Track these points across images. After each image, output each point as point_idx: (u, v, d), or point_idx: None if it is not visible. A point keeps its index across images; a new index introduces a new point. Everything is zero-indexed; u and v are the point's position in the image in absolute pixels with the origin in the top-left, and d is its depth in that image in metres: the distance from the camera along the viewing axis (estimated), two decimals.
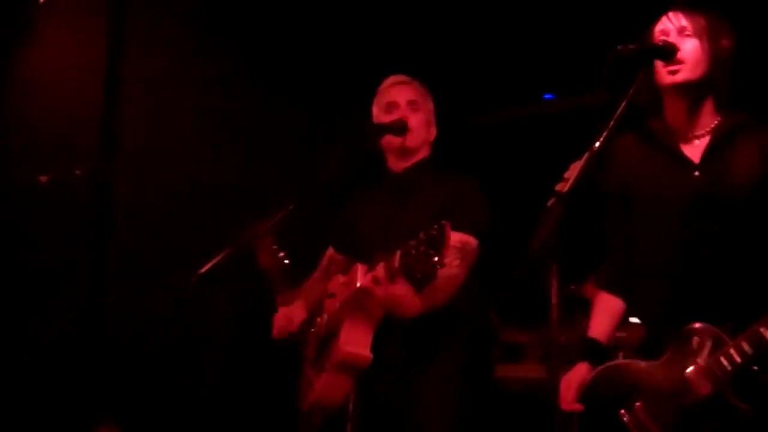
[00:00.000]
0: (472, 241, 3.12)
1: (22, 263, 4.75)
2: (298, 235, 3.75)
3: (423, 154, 3.35)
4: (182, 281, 3.38)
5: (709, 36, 2.57)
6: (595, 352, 2.74)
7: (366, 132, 3.28)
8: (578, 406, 2.65)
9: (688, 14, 2.60)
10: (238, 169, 5.02)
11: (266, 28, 5.18)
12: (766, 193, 2.54)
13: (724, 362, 2.43)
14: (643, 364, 2.62)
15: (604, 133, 2.39)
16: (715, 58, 2.57)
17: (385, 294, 2.90)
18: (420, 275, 2.74)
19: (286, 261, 3.45)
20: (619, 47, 2.49)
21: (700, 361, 2.47)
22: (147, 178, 4.82)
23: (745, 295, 2.52)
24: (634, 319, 2.83)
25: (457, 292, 3.12)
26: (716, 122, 2.62)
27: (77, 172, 4.43)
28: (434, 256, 2.66)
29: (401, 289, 2.90)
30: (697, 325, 2.51)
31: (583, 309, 4.55)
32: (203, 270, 3.20)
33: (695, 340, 2.50)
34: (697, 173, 2.59)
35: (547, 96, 5.63)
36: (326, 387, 3.08)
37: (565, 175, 2.32)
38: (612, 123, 2.41)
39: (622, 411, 2.57)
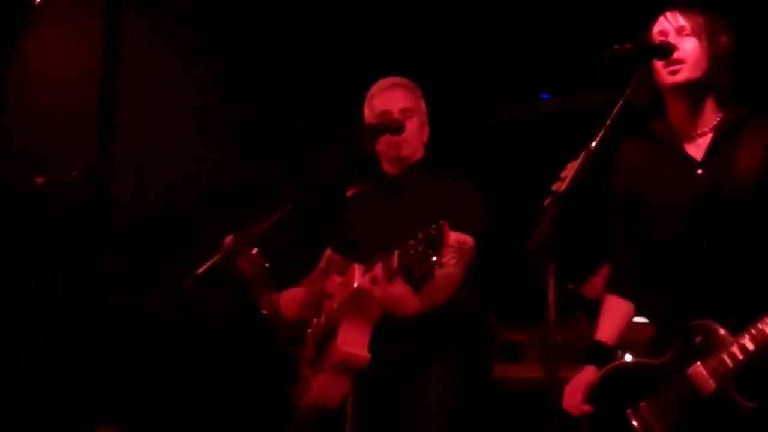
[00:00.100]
0: (469, 240, 3.12)
1: (21, 264, 4.75)
2: (296, 236, 3.77)
3: (418, 155, 3.34)
4: (180, 282, 3.38)
5: (708, 34, 2.57)
6: (602, 355, 2.75)
7: (363, 132, 3.27)
8: (587, 408, 2.65)
9: (686, 13, 2.60)
10: (236, 169, 5.02)
11: (264, 28, 5.18)
12: None
13: (727, 360, 2.43)
14: (648, 363, 2.63)
15: (601, 133, 2.39)
16: (714, 56, 2.57)
17: (383, 294, 2.91)
18: (418, 275, 2.74)
19: (267, 264, 3.45)
20: (615, 46, 2.49)
21: (704, 359, 2.47)
22: (144, 179, 4.81)
23: (749, 292, 2.51)
24: (639, 319, 2.84)
25: (455, 291, 3.12)
26: (718, 119, 2.61)
27: (74, 172, 4.42)
28: (432, 256, 2.66)
29: (399, 289, 2.90)
30: (700, 322, 2.50)
31: (582, 308, 4.56)
32: (200, 270, 3.20)
33: (698, 337, 2.50)
34: (700, 171, 2.59)
35: (543, 95, 5.64)
36: (324, 387, 3.08)
37: (562, 175, 2.32)
38: (609, 122, 2.41)
39: (629, 411, 2.57)
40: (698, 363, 2.47)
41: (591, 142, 2.37)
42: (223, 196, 4.95)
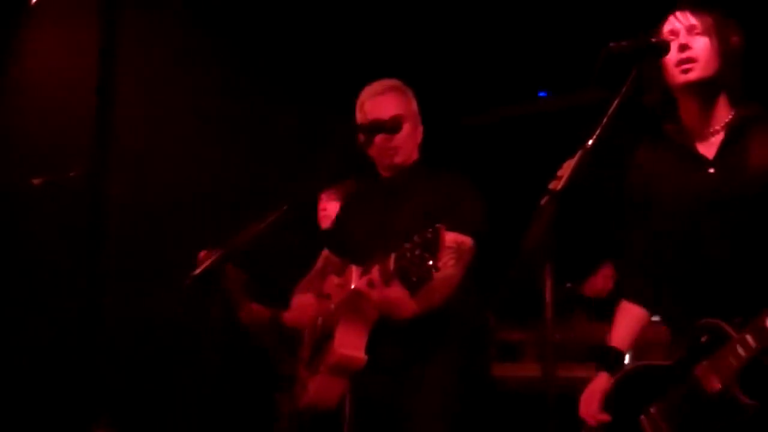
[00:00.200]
0: (467, 240, 3.10)
1: (19, 265, 4.75)
2: (293, 236, 3.76)
3: (413, 158, 3.31)
4: (178, 283, 3.37)
5: (718, 33, 2.56)
6: (615, 361, 2.74)
7: (359, 131, 3.25)
8: (604, 417, 2.65)
9: (696, 13, 2.59)
10: (234, 170, 5.02)
11: (263, 28, 5.17)
12: None
13: (730, 357, 2.42)
14: (660, 365, 2.62)
15: (598, 131, 2.38)
16: (726, 55, 2.56)
17: (380, 297, 2.89)
18: (415, 279, 2.73)
19: (246, 276, 3.45)
20: (611, 44, 2.47)
21: (710, 357, 2.46)
22: (142, 179, 4.82)
23: (759, 291, 2.49)
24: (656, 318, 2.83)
25: (454, 292, 3.11)
26: (730, 117, 2.60)
27: (72, 173, 4.42)
28: (429, 260, 2.65)
29: (396, 292, 2.88)
30: (707, 321, 2.50)
31: (582, 307, 4.56)
32: (197, 272, 3.19)
33: (705, 337, 2.49)
34: (712, 170, 2.58)
35: (541, 94, 5.64)
36: (321, 389, 3.07)
37: (559, 173, 2.31)
38: (606, 120, 2.40)
39: (642, 417, 2.57)
40: (704, 362, 2.47)
41: (588, 141, 2.36)
42: (222, 196, 4.95)
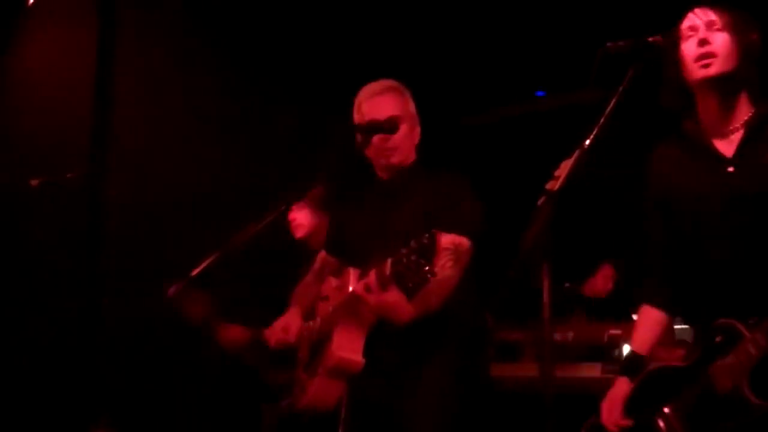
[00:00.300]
0: (465, 241, 3.09)
1: (18, 266, 4.75)
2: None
3: (410, 159, 3.30)
4: (177, 283, 3.37)
5: (738, 30, 2.54)
6: (636, 366, 2.73)
7: (356, 131, 3.25)
8: (626, 422, 2.64)
9: (716, 9, 2.57)
10: (232, 171, 5.02)
11: (262, 28, 5.17)
12: None
13: (742, 357, 2.40)
14: (678, 366, 2.61)
15: (595, 131, 2.37)
16: (745, 51, 2.54)
17: (377, 302, 2.89)
18: (411, 284, 2.73)
19: (212, 300, 3.45)
20: (608, 44, 2.47)
21: (723, 357, 2.45)
22: (141, 180, 4.81)
23: None
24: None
25: (452, 293, 3.10)
26: (749, 115, 2.58)
27: (69, 175, 4.41)
28: (425, 266, 2.65)
29: (393, 297, 2.87)
30: (722, 321, 2.49)
31: (581, 307, 4.55)
32: (194, 273, 3.19)
33: (718, 337, 2.48)
34: (731, 168, 2.56)
35: (538, 93, 5.63)
36: (319, 391, 3.07)
37: (556, 174, 2.30)
38: (603, 120, 2.39)
39: (657, 417, 2.56)
40: (718, 362, 2.46)
41: (585, 140, 2.35)
42: (221, 196, 4.95)
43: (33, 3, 4.76)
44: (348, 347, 2.99)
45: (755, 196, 2.51)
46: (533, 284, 2.29)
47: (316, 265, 3.53)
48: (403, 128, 3.24)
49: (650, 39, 2.55)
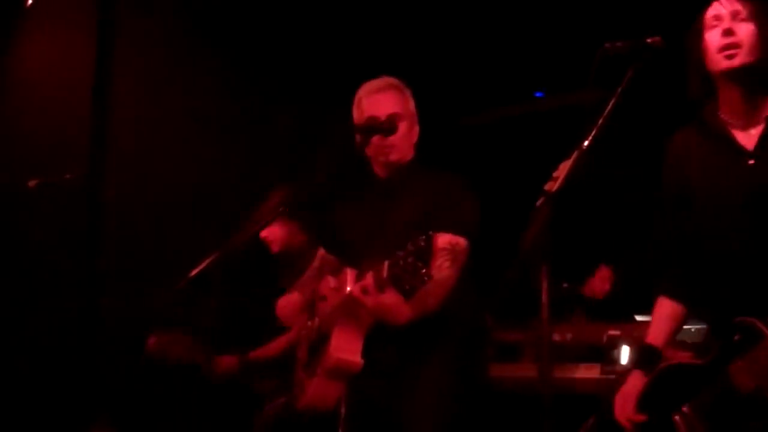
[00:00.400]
0: (462, 241, 3.09)
1: (16, 266, 4.74)
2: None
3: (408, 157, 3.31)
4: (174, 284, 3.37)
5: (763, 20, 2.51)
6: (650, 359, 2.69)
7: (356, 131, 3.25)
8: (640, 417, 2.60)
9: (739, 0, 2.54)
10: (232, 171, 5.02)
11: (261, 28, 5.17)
12: None
13: (763, 356, 2.37)
14: (694, 363, 2.57)
15: (594, 132, 2.37)
16: None
17: (375, 304, 2.89)
18: (408, 287, 2.73)
19: (192, 338, 3.46)
20: (606, 45, 2.47)
21: (743, 356, 2.42)
22: (140, 180, 4.81)
23: None
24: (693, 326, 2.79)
25: (450, 293, 3.10)
26: None
27: (68, 175, 4.41)
28: (422, 268, 2.65)
29: (390, 299, 2.88)
30: (742, 319, 2.45)
31: (581, 307, 4.55)
32: (193, 273, 3.19)
33: (737, 335, 2.45)
34: (751, 162, 2.52)
35: (537, 94, 5.63)
36: (318, 391, 3.07)
37: (555, 174, 2.30)
38: (601, 121, 2.39)
39: (676, 417, 2.52)
40: (738, 361, 2.42)
41: (584, 141, 2.35)
42: (221, 196, 4.95)
43: (31, 4, 4.75)
44: (346, 348, 2.99)
45: None
46: (532, 285, 2.29)
47: (316, 263, 3.54)
48: (403, 126, 3.25)
49: (649, 40, 2.54)
